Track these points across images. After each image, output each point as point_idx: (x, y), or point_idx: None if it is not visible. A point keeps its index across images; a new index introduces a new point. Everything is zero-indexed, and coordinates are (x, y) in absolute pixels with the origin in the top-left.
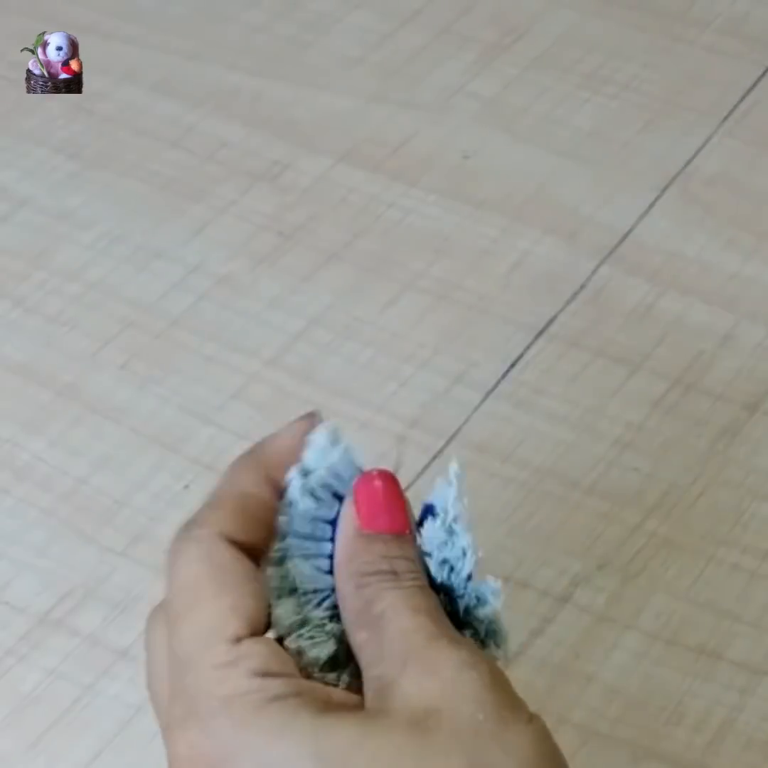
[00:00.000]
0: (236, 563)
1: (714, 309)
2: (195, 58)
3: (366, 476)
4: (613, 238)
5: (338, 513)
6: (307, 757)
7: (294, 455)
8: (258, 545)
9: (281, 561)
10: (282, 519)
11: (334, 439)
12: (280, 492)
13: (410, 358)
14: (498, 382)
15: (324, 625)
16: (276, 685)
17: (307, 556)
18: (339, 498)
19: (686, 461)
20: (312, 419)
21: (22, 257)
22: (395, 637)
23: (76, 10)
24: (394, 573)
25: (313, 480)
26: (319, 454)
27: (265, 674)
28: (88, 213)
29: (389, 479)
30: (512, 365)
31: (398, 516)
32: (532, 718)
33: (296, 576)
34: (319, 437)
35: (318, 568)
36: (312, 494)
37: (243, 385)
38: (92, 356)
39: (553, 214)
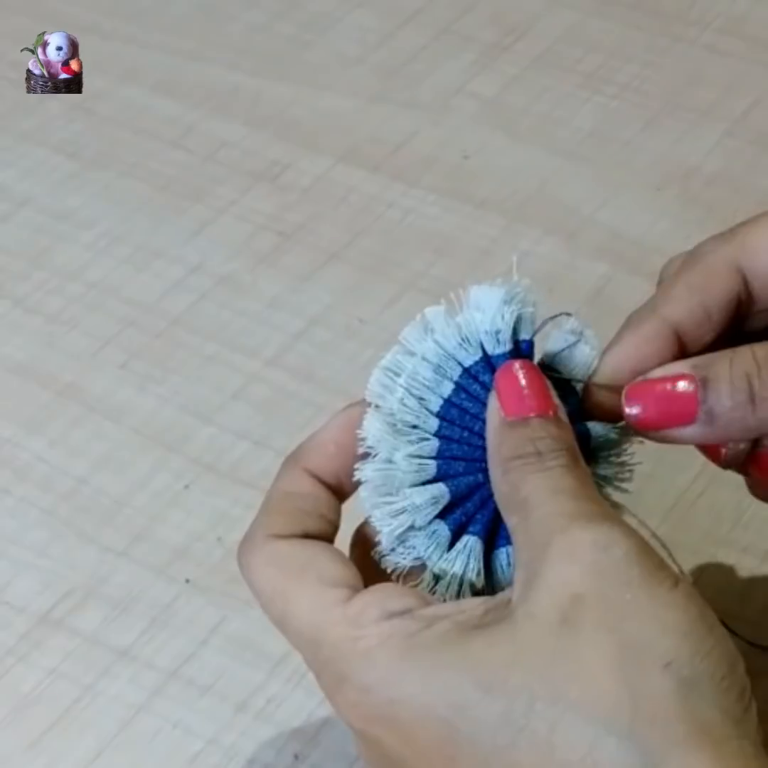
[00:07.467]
0: (298, 548)
1: None
2: (195, 58)
3: (504, 367)
4: (613, 238)
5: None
6: (469, 686)
7: (334, 450)
8: (309, 532)
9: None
10: None
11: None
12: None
13: None
14: None
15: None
16: (404, 624)
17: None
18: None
19: (686, 461)
20: (349, 414)
21: (22, 257)
22: (539, 522)
23: (76, 10)
24: (539, 454)
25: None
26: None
27: (390, 616)
28: (88, 213)
29: (526, 365)
30: None
31: (539, 399)
32: (678, 582)
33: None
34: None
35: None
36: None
37: (243, 385)
38: (92, 356)
39: (553, 214)
